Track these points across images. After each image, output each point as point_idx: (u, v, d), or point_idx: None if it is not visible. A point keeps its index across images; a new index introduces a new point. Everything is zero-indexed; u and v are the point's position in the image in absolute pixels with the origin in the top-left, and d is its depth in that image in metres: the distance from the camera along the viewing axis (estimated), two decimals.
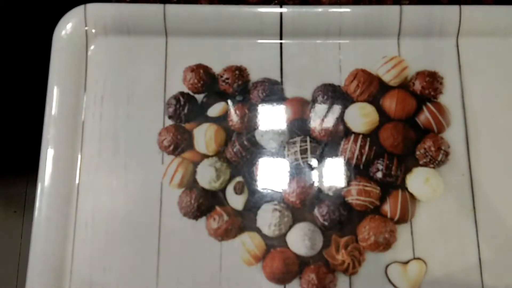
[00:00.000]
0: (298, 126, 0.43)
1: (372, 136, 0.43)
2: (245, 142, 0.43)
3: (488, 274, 0.40)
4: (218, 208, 0.41)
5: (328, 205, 0.41)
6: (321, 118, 0.43)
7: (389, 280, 0.40)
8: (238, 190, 0.42)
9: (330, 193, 0.42)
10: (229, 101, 0.44)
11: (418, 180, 0.42)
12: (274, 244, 0.41)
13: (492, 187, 0.42)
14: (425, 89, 0.44)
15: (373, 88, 0.44)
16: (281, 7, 0.45)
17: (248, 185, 0.42)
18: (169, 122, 0.44)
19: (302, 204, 0.41)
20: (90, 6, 0.45)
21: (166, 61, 0.45)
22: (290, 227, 0.41)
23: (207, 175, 0.42)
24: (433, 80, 0.44)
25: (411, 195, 0.42)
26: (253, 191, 0.42)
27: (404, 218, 0.41)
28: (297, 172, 0.42)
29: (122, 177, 0.42)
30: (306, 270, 0.40)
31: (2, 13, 0.51)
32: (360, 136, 0.42)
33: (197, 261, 0.40)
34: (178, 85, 0.45)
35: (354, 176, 0.42)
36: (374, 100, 0.44)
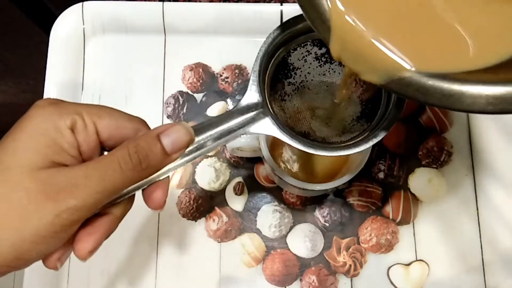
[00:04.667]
0: None
1: None
2: None
3: (491, 275, 0.39)
4: (217, 209, 0.41)
5: (329, 206, 0.41)
6: None
7: (391, 282, 0.39)
8: (237, 191, 0.41)
9: (332, 194, 0.41)
10: (229, 100, 0.44)
11: (420, 181, 0.41)
12: (274, 245, 0.40)
13: (496, 188, 0.41)
14: None
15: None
16: (281, 5, 0.44)
17: (248, 185, 0.42)
18: (168, 122, 0.43)
19: (303, 204, 0.41)
20: (88, 4, 0.45)
21: (164, 60, 0.45)
22: (291, 228, 0.41)
23: (207, 176, 0.42)
24: None
25: (414, 195, 0.41)
26: (253, 192, 0.41)
27: (406, 219, 0.41)
28: None
29: None
30: (307, 272, 0.40)
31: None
32: None
33: (196, 263, 0.40)
34: (177, 84, 0.44)
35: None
36: None
